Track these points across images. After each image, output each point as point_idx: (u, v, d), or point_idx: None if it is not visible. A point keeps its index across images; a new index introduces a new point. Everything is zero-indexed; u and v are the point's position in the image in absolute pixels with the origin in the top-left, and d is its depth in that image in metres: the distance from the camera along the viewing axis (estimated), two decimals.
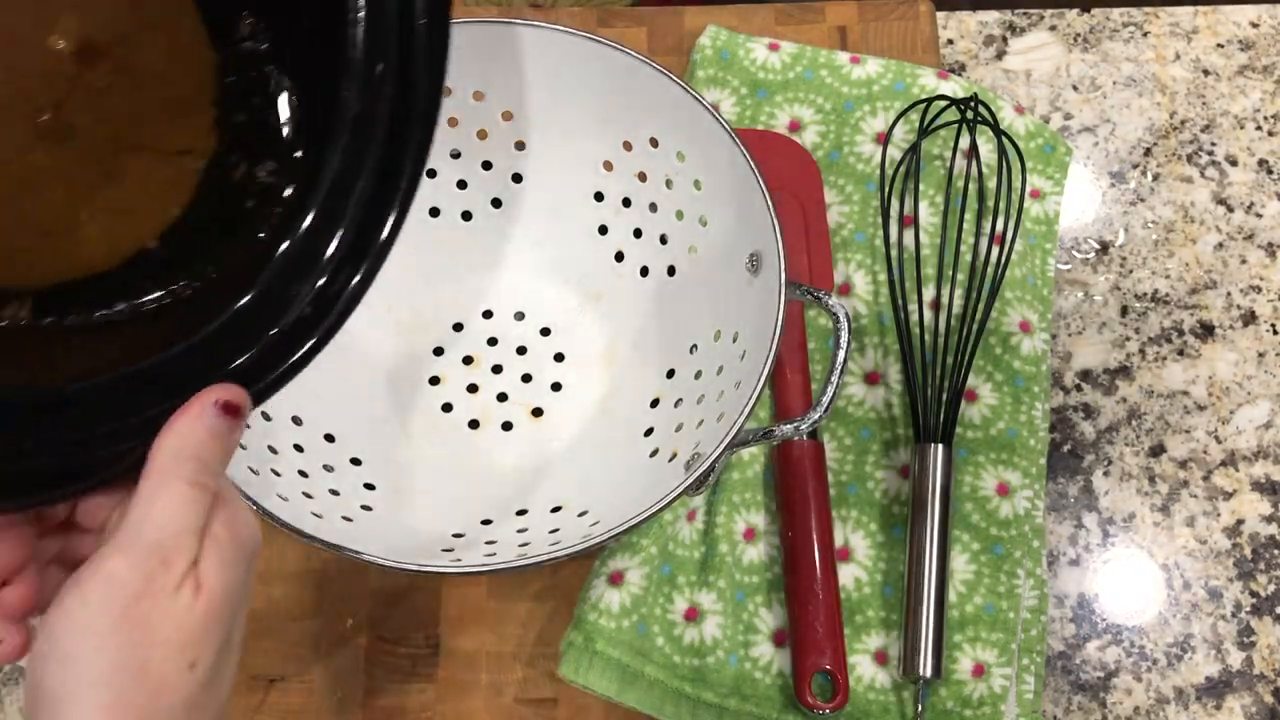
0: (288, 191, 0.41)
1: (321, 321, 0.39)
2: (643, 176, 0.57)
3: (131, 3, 0.39)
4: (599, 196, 0.59)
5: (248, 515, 0.35)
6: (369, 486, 0.53)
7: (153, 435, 0.33)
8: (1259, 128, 0.68)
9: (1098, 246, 0.66)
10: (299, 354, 0.38)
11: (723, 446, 0.45)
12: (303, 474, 0.50)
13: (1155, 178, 0.67)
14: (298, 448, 0.51)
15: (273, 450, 0.49)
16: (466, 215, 0.60)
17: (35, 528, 0.35)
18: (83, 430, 0.35)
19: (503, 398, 0.59)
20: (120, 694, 0.30)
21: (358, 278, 0.40)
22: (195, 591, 0.32)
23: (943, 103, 0.64)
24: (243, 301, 0.39)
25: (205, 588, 0.32)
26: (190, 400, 0.34)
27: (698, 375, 0.55)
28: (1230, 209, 0.67)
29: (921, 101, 0.64)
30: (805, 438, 0.57)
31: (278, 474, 0.48)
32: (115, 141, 0.39)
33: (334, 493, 0.51)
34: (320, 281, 0.40)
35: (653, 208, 0.57)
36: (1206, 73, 0.70)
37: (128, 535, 0.32)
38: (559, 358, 0.60)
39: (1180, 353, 0.64)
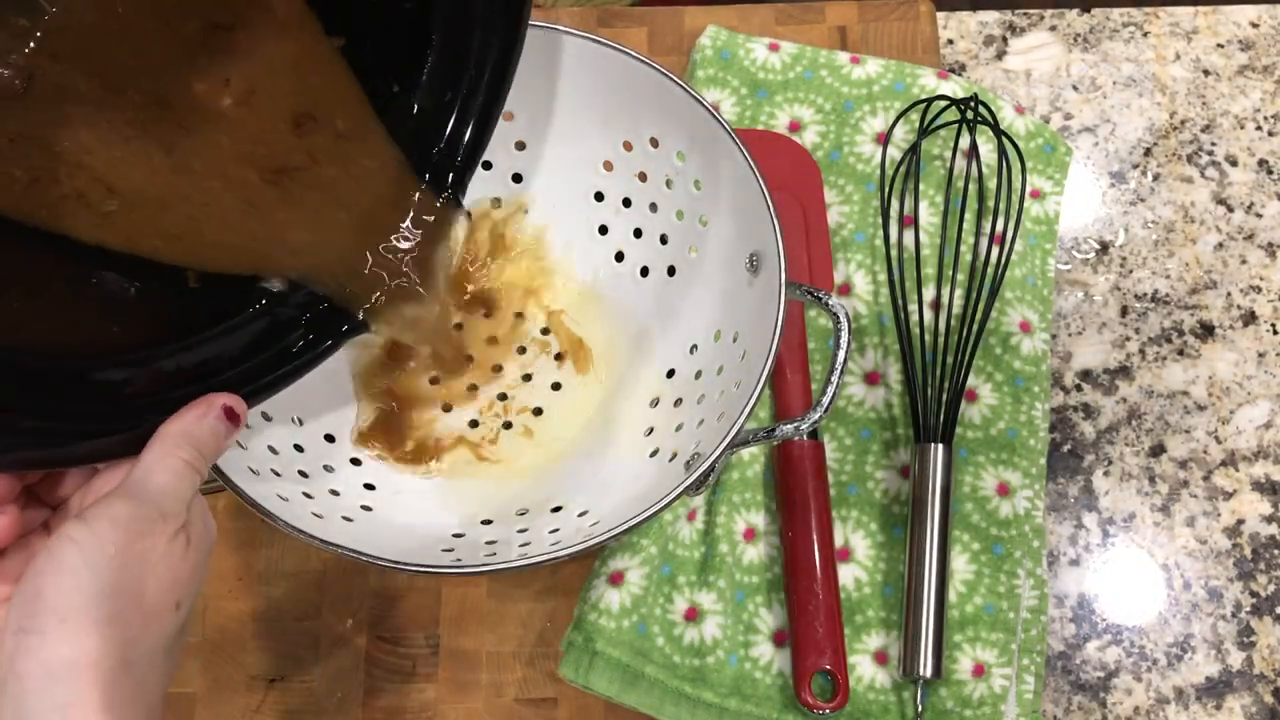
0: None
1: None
2: (643, 176, 0.57)
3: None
4: (599, 196, 0.58)
5: (209, 513, 0.39)
6: (369, 487, 0.53)
7: (164, 413, 0.38)
8: (1259, 128, 0.68)
9: (1098, 246, 0.66)
10: (292, 366, 0.46)
11: (723, 446, 0.45)
12: (303, 474, 0.50)
13: (1155, 178, 0.67)
14: (298, 448, 0.51)
15: (273, 450, 0.49)
16: (466, 215, 0.60)
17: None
18: (112, 399, 0.40)
19: (502, 397, 0.59)
20: (118, 612, 0.33)
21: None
22: (186, 544, 0.36)
23: (943, 103, 0.64)
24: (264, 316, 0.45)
25: (193, 544, 0.36)
26: (200, 399, 0.40)
27: (698, 375, 0.55)
28: (1230, 209, 0.67)
29: (921, 101, 0.64)
30: (805, 438, 0.57)
31: (278, 474, 0.48)
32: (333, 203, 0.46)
33: (334, 493, 0.51)
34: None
35: (653, 208, 0.57)
36: (1206, 73, 0.70)
37: (132, 487, 0.36)
38: (559, 358, 0.60)
39: (1180, 353, 0.64)
